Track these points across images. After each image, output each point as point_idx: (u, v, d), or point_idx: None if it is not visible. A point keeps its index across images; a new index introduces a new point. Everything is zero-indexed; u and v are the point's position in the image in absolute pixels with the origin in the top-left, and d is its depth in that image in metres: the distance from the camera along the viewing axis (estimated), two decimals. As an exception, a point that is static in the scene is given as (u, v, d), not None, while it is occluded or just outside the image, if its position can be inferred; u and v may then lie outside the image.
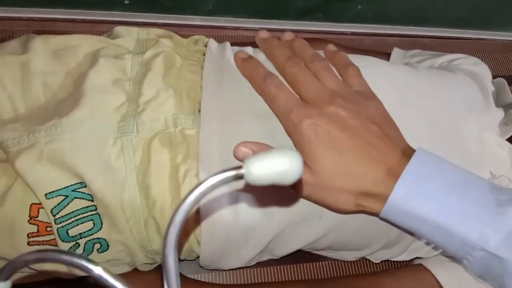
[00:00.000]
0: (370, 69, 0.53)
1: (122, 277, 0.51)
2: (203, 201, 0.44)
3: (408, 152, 0.39)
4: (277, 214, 0.46)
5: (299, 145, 0.39)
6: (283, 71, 0.43)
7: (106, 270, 0.23)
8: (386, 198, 0.37)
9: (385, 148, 0.39)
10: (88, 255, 0.46)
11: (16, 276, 0.49)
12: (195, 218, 0.45)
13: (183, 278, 0.55)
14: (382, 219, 0.40)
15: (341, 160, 0.38)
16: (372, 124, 0.40)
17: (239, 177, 0.24)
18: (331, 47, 0.48)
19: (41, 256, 0.24)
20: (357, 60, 0.55)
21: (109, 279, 0.23)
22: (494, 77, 0.63)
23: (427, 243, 0.52)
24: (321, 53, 0.56)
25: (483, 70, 0.62)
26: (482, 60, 0.65)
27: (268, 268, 0.61)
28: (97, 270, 0.23)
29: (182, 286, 0.52)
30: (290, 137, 0.41)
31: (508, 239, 0.34)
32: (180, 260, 0.53)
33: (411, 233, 0.48)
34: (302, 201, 0.46)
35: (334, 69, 0.45)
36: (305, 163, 0.38)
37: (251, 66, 0.44)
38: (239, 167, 0.23)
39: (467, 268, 0.40)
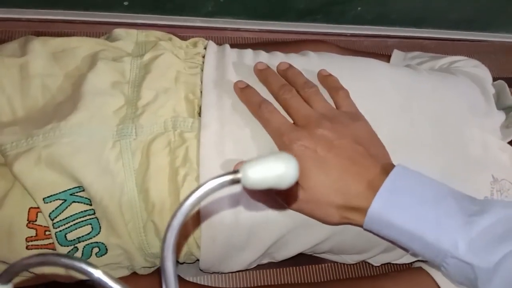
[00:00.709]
0: (372, 71, 0.53)
1: (121, 280, 0.50)
2: (203, 205, 0.44)
3: (388, 168, 0.42)
4: (278, 218, 0.46)
5: None
6: (277, 98, 0.47)
7: (106, 273, 0.23)
8: (367, 210, 0.40)
9: (367, 165, 0.42)
10: (86, 259, 0.45)
11: (17, 279, 0.49)
12: (195, 221, 0.45)
13: (182, 281, 0.55)
14: (366, 230, 0.44)
15: (327, 177, 0.42)
16: (357, 143, 0.43)
17: (236, 181, 0.24)
18: (324, 71, 0.51)
19: (41, 260, 0.24)
20: (359, 62, 0.55)
21: (108, 282, 0.23)
22: (494, 79, 0.63)
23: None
24: (321, 54, 0.56)
25: (484, 73, 0.62)
26: (482, 62, 0.65)
27: (268, 271, 0.60)
28: (97, 274, 0.23)
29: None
30: None
31: (473, 245, 0.38)
32: (179, 263, 0.53)
33: (394, 243, 0.50)
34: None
35: (326, 92, 0.49)
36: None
37: (249, 94, 0.47)
38: (236, 171, 0.24)
39: (446, 275, 0.43)
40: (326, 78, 0.50)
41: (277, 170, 0.23)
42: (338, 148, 0.42)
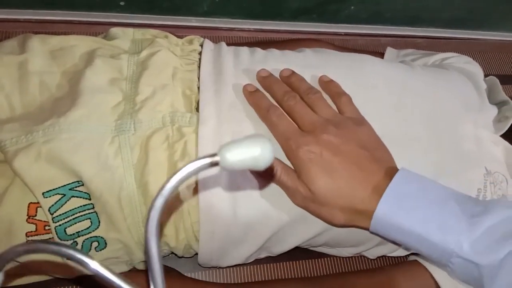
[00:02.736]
0: (366, 67, 0.54)
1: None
2: (202, 198, 0.45)
3: (392, 172, 0.43)
4: (275, 211, 0.46)
5: (298, 167, 0.44)
6: (282, 105, 0.47)
7: (87, 255, 0.24)
8: (373, 213, 0.41)
9: (372, 169, 0.43)
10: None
11: (16, 280, 0.49)
12: (194, 213, 0.46)
13: (180, 276, 0.55)
14: (372, 233, 0.44)
15: (333, 181, 0.43)
16: (362, 148, 0.44)
17: (215, 164, 0.25)
18: (325, 77, 0.51)
19: (31, 248, 0.25)
20: (353, 60, 0.56)
21: (90, 262, 0.24)
22: (486, 76, 0.64)
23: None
24: (316, 50, 0.57)
25: (476, 69, 0.63)
26: (474, 60, 0.66)
27: (265, 265, 0.61)
28: (92, 263, 0.24)
29: (180, 285, 0.53)
30: (289, 160, 0.45)
31: (477, 245, 0.39)
32: (178, 257, 0.54)
33: (399, 245, 0.52)
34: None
35: (328, 97, 0.50)
36: (303, 182, 0.43)
37: (257, 98, 0.48)
38: (214, 155, 0.24)
39: (452, 274, 0.44)
40: (328, 84, 0.51)
41: (253, 152, 0.24)
42: (344, 153, 0.43)
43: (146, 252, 0.26)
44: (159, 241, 0.29)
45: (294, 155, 0.44)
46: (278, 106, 0.47)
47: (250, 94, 0.48)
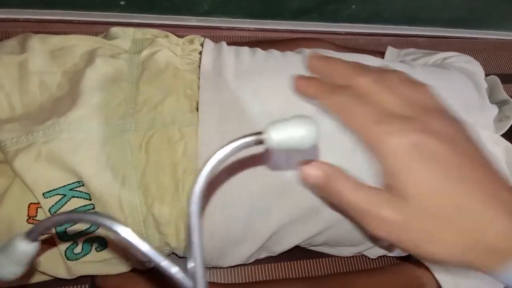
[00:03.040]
0: None
1: (121, 276, 0.50)
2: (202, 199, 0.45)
3: None
4: (275, 211, 0.46)
5: (386, 162, 0.28)
6: (355, 84, 0.32)
7: (131, 230, 0.25)
8: None
9: (502, 185, 0.28)
10: (86, 254, 0.46)
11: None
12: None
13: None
14: (501, 282, 0.28)
15: (452, 187, 0.26)
16: (479, 151, 0.30)
17: (260, 142, 0.25)
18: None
19: (69, 217, 0.26)
20: (354, 59, 0.56)
21: (132, 238, 0.25)
22: (487, 75, 0.64)
23: None
24: (316, 51, 0.57)
25: (476, 68, 0.63)
26: (475, 59, 0.66)
27: (266, 265, 0.61)
28: (122, 230, 0.24)
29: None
30: (372, 153, 0.30)
31: None
32: (179, 257, 0.54)
33: None
34: (298, 198, 0.47)
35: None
36: (389, 190, 0.27)
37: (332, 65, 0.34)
38: (260, 133, 0.25)
39: None
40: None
41: (298, 132, 0.25)
42: (465, 152, 0.28)
43: (189, 226, 0.25)
44: (202, 217, 0.29)
45: (385, 146, 0.28)
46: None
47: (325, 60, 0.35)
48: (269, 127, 0.25)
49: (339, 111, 0.31)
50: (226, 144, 0.25)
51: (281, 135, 0.25)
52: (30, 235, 0.25)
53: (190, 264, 0.26)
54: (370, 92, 0.31)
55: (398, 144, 0.28)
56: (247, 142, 0.25)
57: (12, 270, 0.27)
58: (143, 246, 0.24)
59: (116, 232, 0.24)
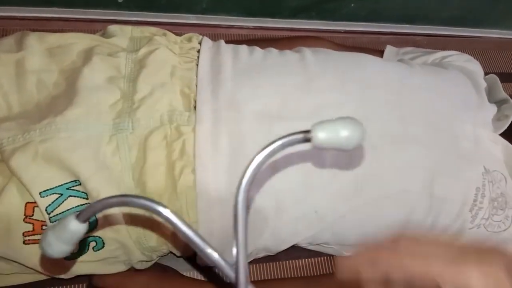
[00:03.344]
0: (364, 69, 0.54)
1: (119, 275, 0.50)
2: (201, 200, 0.44)
3: None
4: (272, 210, 0.46)
5: None
6: None
7: (173, 212, 0.27)
8: None
9: None
10: (83, 253, 0.46)
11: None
12: (192, 213, 0.45)
13: (179, 275, 0.55)
14: None
15: None
16: None
17: (307, 139, 0.26)
18: None
19: (121, 200, 0.28)
20: (351, 59, 0.56)
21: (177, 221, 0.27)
22: (486, 74, 0.64)
23: None
24: (315, 50, 0.56)
25: (476, 67, 0.63)
26: (474, 58, 0.65)
27: (264, 264, 0.61)
28: (166, 212, 0.27)
29: (179, 284, 0.53)
30: None
31: None
32: (176, 256, 0.53)
33: None
34: (297, 197, 0.47)
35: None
36: None
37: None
38: (308, 131, 0.26)
39: None
40: None
41: (344, 132, 0.26)
42: None
43: (235, 216, 0.27)
44: (248, 209, 0.31)
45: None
46: None
47: None
48: (316, 126, 0.26)
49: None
50: (275, 140, 0.26)
51: (327, 134, 0.26)
52: (80, 217, 0.28)
53: (234, 253, 0.27)
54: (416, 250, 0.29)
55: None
56: (295, 139, 0.27)
57: (61, 248, 0.29)
58: (188, 231, 0.27)
59: (165, 217, 0.27)
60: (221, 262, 0.28)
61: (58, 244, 0.28)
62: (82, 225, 0.28)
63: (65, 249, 0.29)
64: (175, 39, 0.54)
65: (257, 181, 0.46)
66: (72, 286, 0.55)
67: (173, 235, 0.47)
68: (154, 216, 0.45)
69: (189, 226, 0.27)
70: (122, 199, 0.28)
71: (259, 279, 0.60)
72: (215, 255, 0.28)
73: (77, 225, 0.28)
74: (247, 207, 0.28)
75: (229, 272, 0.28)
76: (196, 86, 0.49)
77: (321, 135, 0.26)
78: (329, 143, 0.26)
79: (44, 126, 0.43)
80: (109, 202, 0.27)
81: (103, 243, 0.46)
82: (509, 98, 0.59)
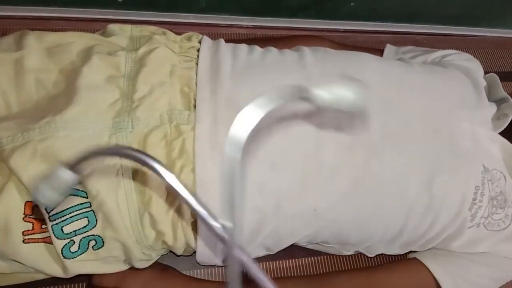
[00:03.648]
0: (363, 68, 0.54)
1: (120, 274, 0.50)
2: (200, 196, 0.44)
3: None
4: (271, 209, 0.46)
5: None
6: None
7: (166, 167, 0.26)
8: None
9: None
10: (83, 253, 0.45)
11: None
12: (192, 214, 0.46)
13: (179, 274, 0.55)
14: None
15: None
16: None
17: (306, 98, 0.26)
18: None
19: (116, 150, 0.28)
20: (350, 58, 0.56)
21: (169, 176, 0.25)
22: (486, 73, 0.64)
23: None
24: (314, 49, 0.56)
25: (475, 66, 0.63)
26: (474, 56, 0.65)
27: (264, 264, 0.61)
28: (158, 167, 0.26)
29: (179, 283, 0.53)
30: None
31: None
32: (176, 255, 0.53)
33: None
34: (296, 195, 0.47)
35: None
36: None
37: None
38: (306, 90, 0.26)
39: None
40: None
41: (344, 91, 0.26)
42: None
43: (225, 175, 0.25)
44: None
45: None
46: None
47: None
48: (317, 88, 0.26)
49: None
50: (268, 95, 0.25)
51: (327, 95, 0.26)
52: (71, 166, 0.28)
53: (226, 222, 0.25)
54: None
55: None
56: (288, 96, 0.26)
57: (53, 197, 0.29)
58: (184, 193, 0.25)
59: (157, 172, 0.25)
60: (211, 221, 0.26)
61: (51, 193, 0.29)
62: (73, 175, 0.29)
63: (57, 198, 0.30)
64: (175, 38, 0.54)
65: (257, 181, 0.46)
66: (72, 285, 0.55)
67: (173, 236, 0.47)
68: (153, 214, 0.45)
69: (180, 181, 0.26)
70: (115, 149, 0.29)
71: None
72: (202, 210, 0.25)
73: (68, 174, 0.29)
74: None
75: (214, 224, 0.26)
76: (196, 85, 0.49)
77: (320, 92, 0.26)
78: (334, 103, 0.26)
79: (44, 125, 0.43)
80: (101, 150, 0.28)
81: (103, 242, 0.46)
82: (509, 97, 0.59)
